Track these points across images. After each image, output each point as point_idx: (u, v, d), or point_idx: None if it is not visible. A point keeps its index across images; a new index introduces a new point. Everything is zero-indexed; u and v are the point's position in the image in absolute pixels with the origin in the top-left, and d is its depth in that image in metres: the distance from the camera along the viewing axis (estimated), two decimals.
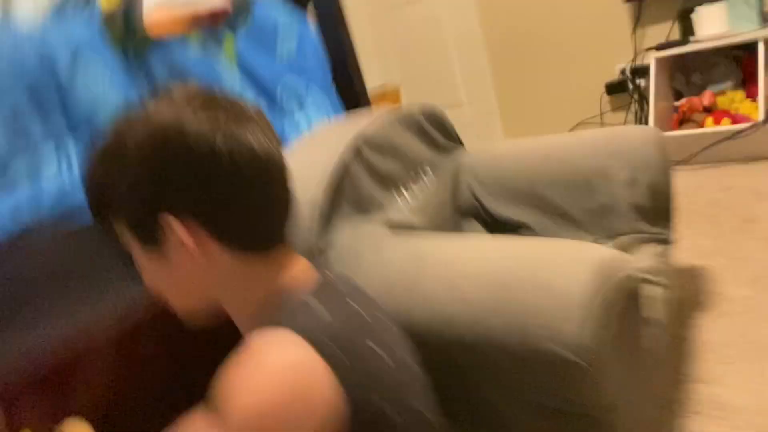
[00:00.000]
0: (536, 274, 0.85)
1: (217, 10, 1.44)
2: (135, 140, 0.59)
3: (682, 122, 2.63)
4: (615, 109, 3.04)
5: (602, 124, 3.10)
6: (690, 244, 1.89)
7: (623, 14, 2.84)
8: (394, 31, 3.60)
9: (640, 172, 1.38)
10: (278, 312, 0.61)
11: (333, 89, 1.71)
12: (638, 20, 2.79)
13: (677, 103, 2.69)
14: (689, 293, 1.62)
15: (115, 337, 1.06)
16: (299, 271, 0.67)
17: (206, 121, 0.59)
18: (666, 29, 2.70)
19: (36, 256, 1.11)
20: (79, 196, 0.67)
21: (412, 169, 1.44)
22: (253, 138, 0.61)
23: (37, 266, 1.10)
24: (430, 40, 3.51)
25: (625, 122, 2.99)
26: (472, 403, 0.93)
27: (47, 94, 1.16)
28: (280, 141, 0.67)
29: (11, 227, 1.08)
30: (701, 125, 2.52)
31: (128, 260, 0.69)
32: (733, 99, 2.49)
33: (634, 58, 2.84)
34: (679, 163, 2.55)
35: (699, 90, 2.64)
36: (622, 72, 2.90)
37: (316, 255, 1.11)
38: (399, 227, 1.25)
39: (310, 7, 1.74)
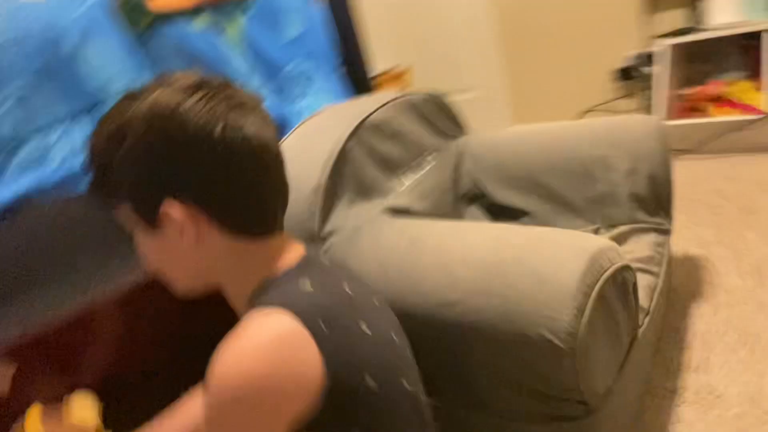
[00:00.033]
0: (528, 261, 0.87)
1: None
2: (137, 125, 0.61)
3: (690, 111, 2.62)
4: (624, 96, 3.03)
5: (611, 111, 3.08)
6: (690, 233, 1.90)
7: (634, 0, 2.81)
8: (406, 14, 3.58)
9: (640, 162, 1.39)
10: (268, 291, 0.64)
11: (340, 73, 1.72)
12: (649, 7, 2.77)
13: (685, 92, 2.67)
14: (687, 283, 1.64)
15: (122, 307, 1.09)
16: (293, 257, 0.69)
17: (207, 109, 0.61)
18: (677, 16, 2.67)
19: (42, 225, 1.14)
20: (87, 181, 0.70)
21: (415, 154, 1.46)
22: (252, 128, 0.64)
23: (44, 236, 1.13)
24: (442, 23, 3.49)
25: (635, 109, 2.98)
26: (460, 382, 0.95)
27: (57, 75, 1.17)
28: (277, 131, 0.69)
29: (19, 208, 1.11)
30: (708, 115, 2.51)
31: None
32: (742, 89, 2.47)
33: (645, 45, 2.81)
34: (684, 152, 2.55)
35: (708, 79, 2.62)
36: (632, 59, 2.88)
37: (318, 238, 1.13)
38: (399, 212, 1.27)
39: None
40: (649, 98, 2.76)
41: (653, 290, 1.20)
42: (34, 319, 1.01)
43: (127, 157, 0.62)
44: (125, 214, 0.67)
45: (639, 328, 1.05)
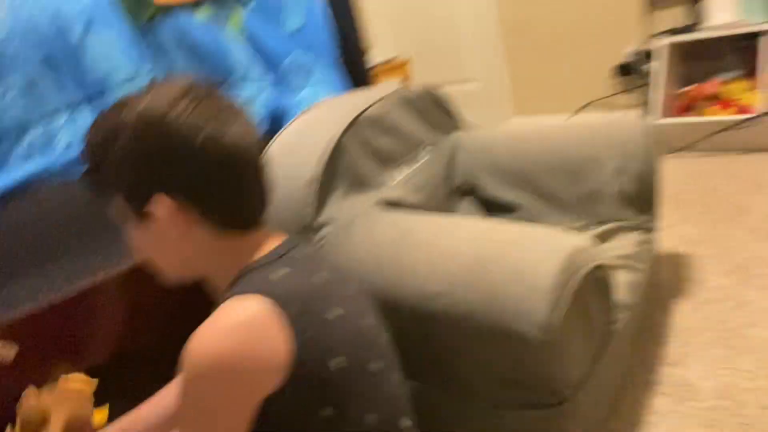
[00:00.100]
0: (509, 257, 0.91)
1: None
2: (129, 127, 0.67)
3: (687, 109, 2.64)
4: (623, 91, 3.05)
5: (610, 106, 3.11)
6: (680, 231, 1.95)
7: None
8: (407, 5, 3.59)
9: (628, 161, 1.43)
10: (244, 280, 0.70)
11: (340, 65, 1.75)
12: (649, 4, 2.78)
13: (683, 90, 2.70)
14: (671, 280, 1.69)
15: (124, 287, 1.14)
16: (270, 247, 0.75)
17: (193, 116, 0.67)
18: (677, 14, 2.69)
19: (48, 207, 1.18)
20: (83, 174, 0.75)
21: (409, 148, 1.50)
22: (234, 135, 0.69)
23: (49, 218, 1.18)
24: (444, 15, 3.50)
25: (633, 105, 3.01)
26: (443, 371, 1.00)
27: (62, 65, 1.21)
28: (259, 137, 0.75)
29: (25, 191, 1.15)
30: (705, 113, 2.54)
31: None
32: (738, 89, 2.49)
33: (644, 42, 2.83)
34: (679, 149, 2.58)
35: (705, 77, 2.65)
36: (631, 55, 2.91)
37: (312, 228, 1.18)
38: (393, 204, 1.31)
39: None
40: (646, 95, 2.79)
41: (634, 287, 1.25)
42: (37, 298, 1.06)
43: (119, 157, 0.68)
44: (117, 207, 0.73)
45: (616, 323, 1.09)
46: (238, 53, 1.48)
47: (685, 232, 1.93)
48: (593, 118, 1.57)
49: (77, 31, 1.24)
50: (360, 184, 1.29)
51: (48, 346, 1.06)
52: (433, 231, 1.07)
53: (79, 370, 0.94)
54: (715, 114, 2.49)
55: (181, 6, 1.40)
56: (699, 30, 2.49)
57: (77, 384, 0.90)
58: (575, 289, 0.88)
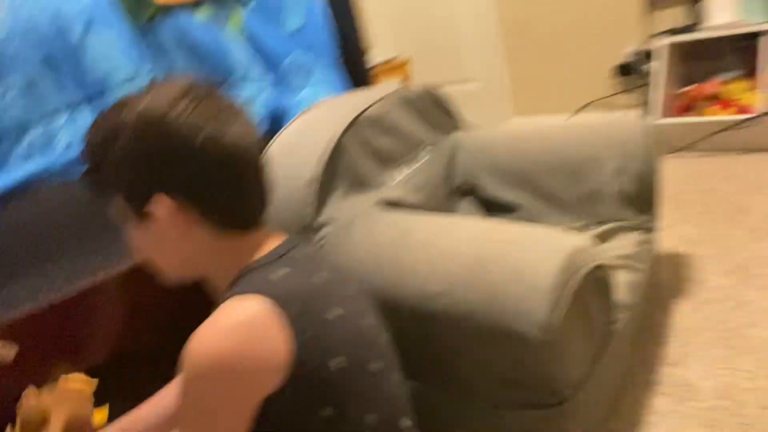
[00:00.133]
0: (509, 257, 0.91)
1: None
2: (129, 127, 0.67)
3: (687, 109, 2.64)
4: (623, 91, 3.05)
5: (610, 106, 3.11)
6: (680, 231, 1.95)
7: None
8: (407, 4, 3.59)
9: (628, 161, 1.43)
10: (243, 280, 0.70)
11: (340, 65, 1.75)
12: (649, 4, 2.78)
13: (683, 90, 2.70)
14: (672, 279, 1.69)
15: (125, 286, 1.14)
16: (270, 248, 0.74)
17: (193, 116, 0.67)
18: (678, 14, 2.69)
19: (48, 206, 1.18)
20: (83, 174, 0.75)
21: (410, 148, 1.50)
22: (234, 135, 0.69)
23: (50, 217, 1.18)
24: (444, 14, 3.50)
25: (633, 105, 3.01)
26: (443, 371, 1.00)
27: (62, 65, 1.21)
28: (260, 137, 0.75)
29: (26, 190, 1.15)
30: (705, 113, 2.54)
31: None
32: (738, 89, 2.49)
33: (644, 42, 2.83)
34: (679, 149, 2.58)
35: (706, 77, 2.65)
36: (631, 55, 2.91)
37: (312, 228, 1.18)
38: (393, 204, 1.31)
39: None
40: (646, 95, 2.79)
41: (634, 287, 1.25)
42: (37, 298, 1.06)
43: (119, 156, 0.68)
44: (117, 207, 0.73)
45: (616, 323, 1.09)
46: (238, 53, 1.48)
47: (685, 232, 1.93)
48: (593, 118, 1.57)
49: (77, 31, 1.24)
50: (360, 184, 1.30)
51: (48, 346, 1.06)
52: (433, 231, 1.07)
53: (79, 370, 0.95)
54: (715, 114, 2.49)
55: (181, 6, 1.40)
56: (699, 30, 2.49)
57: (77, 384, 0.90)
58: (575, 289, 0.89)
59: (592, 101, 3.13)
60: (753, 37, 2.40)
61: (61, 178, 1.20)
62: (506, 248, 0.94)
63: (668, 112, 2.60)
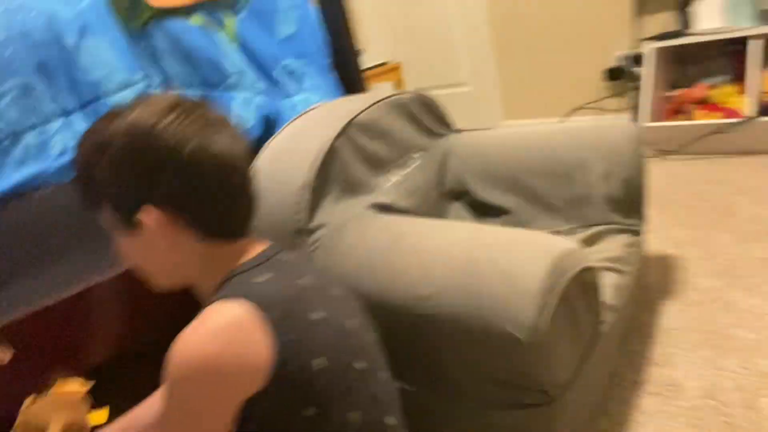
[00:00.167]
0: (498, 260, 0.93)
1: None
2: (117, 140, 0.70)
3: (676, 112, 2.68)
4: (613, 95, 3.09)
5: (600, 110, 3.15)
6: (668, 233, 1.98)
7: (625, 2, 2.86)
8: (399, 9, 3.62)
9: (615, 165, 1.46)
10: (227, 285, 0.72)
11: (331, 71, 1.77)
12: (639, 9, 2.82)
13: (672, 93, 2.74)
14: (659, 281, 1.71)
15: (120, 288, 1.15)
16: (253, 254, 0.77)
17: (181, 128, 0.70)
18: (666, 19, 2.73)
19: (43, 210, 1.19)
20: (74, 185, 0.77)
21: (402, 153, 1.52)
22: (220, 146, 0.72)
23: (44, 221, 1.19)
24: (435, 19, 3.53)
25: (623, 109, 3.05)
26: (433, 372, 1.02)
27: (57, 71, 1.22)
28: (247, 148, 0.77)
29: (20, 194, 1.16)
30: (693, 117, 2.57)
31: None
32: (726, 93, 2.53)
33: (633, 47, 2.87)
34: (668, 152, 2.62)
35: (694, 81, 2.69)
36: (621, 59, 2.94)
37: (306, 232, 1.19)
38: (385, 208, 1.33)
39: None
40: (636, 98, 2.83)
41: (621, 289, 1.27)
42: (34, 301, 1.07)
43: (108, 169, 0.70)
44: (107, 217, 0.75)
45: (603, 325, 1.12)
46: (232, 59, 1.49)
47: (672, 234, 1.96)
48: (581, 123, 1.60)
49: (72, 37, 1.26)
50: (352, 188, 1.31)
51: (47, 349, 1.07)
52: (424, 235, 1.09)
53: (78, 371, 0.96)
54: (703, 118, 2.53)
55: (175, 12, 1.42)
56: (687, 35, 2.53)
57: (73, 387, 0.91)
58: (563, 292, 0.91)
59: (583, 105, 3.17)
60: (740, 41, 2.44)
61: (57, 179, 1.21)
62: (496, 252, 0.96)
63: (657, 116, 2.64)
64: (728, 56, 2.60)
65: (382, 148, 1.45)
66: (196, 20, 1.45)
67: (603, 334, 1.12)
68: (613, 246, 1.39)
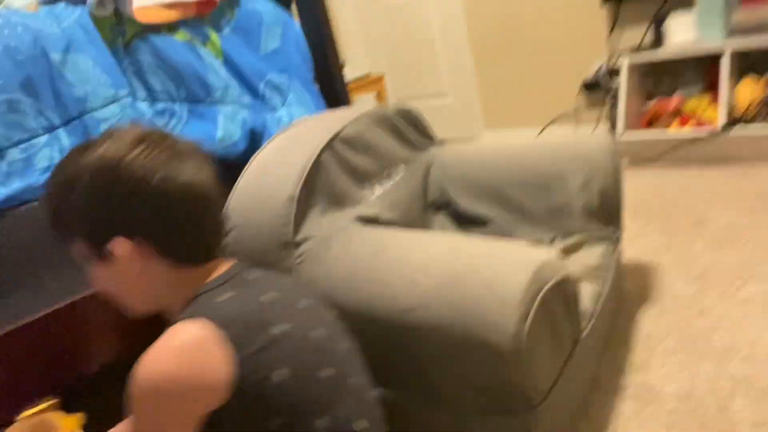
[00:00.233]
0: (480, 271, 0.96)
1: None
2: (86, 174, 0.73)
3: (651, 123, 2.76)
4: (590, 106, 3.16)
5: (578, 120, 3.22)
6: (643, 241, 2.03)
7: (601, 15, 2.94)
8: (380, 21, 3.66)
9: (593, 177, 1.50)
10: (191, 305, 0.75)
11: (315, 85, 1.80)
12: (615, 22, 2.90)
13: (648, 105, 2.81)
14: (636, 288, 1.76)
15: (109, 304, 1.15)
16: (217, 274, 0.80)
17: (147, 160, 0.73)
18: (641, 32, 2.81)
19: (27, 225, 1.20)
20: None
21: (386, 165, 1.55)
22: (187, 175, 0.75)
23: (28, 236, 1.19)
24: (416, 31, 3.58)
25: (600, 120, 3.12)
26: (416, 380, 1.05)
27: (42, 87, 1.23)
28: (215, 176, 0.80)
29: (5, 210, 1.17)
30: (668, 128, 2.65)
31: None
32: (700, 104, 2.61)
33: (609, 59, 2.95)
34: (643, 163, 2.69)
35: (669, 93, 2.77)
36: (599, 71, 3.02)
37: (292, 245, 1.21)
38: (370, 221, 1.36)
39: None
40: (612, 110, 2.90)
41: (599, 296, 1.31)
42: (16, 316, 1.07)
43: (78, 202, 0.73)
44: (79, 249, 0.78)
45: (582, 332, 1.15)
46: (217, 74, 1.51)
47: (647, 243, 2.02)
48: (560, 136, 1.65)
49: (57, 53, 1.27)
50: (338, 201, 1.34)
51: (25, 365, 1.07)
52: (408, 247, 1.12)
53: (71, 380, 0.96)
54: (677, 129, 2.60)
55: (160, 29, 1.43)
56: (661, 49, 2.61)
57: (65, 422, 0.91)
58: (543, 301, 0.94)
59: (560, 115, 3.24)
60: (713, 55, 2.52)
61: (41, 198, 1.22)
62: (477, 263, 0.99)
63: (633, 127, 2.70)
64: (701, 68, 2.68)
65: (367, 161, 1.48)
66: (181, 36, 1.47)
67: (582, 341, 1.16)
68: (592, 254, 1.44)
